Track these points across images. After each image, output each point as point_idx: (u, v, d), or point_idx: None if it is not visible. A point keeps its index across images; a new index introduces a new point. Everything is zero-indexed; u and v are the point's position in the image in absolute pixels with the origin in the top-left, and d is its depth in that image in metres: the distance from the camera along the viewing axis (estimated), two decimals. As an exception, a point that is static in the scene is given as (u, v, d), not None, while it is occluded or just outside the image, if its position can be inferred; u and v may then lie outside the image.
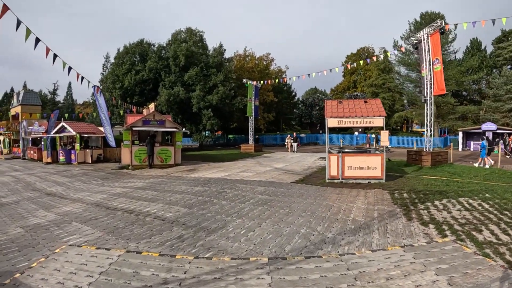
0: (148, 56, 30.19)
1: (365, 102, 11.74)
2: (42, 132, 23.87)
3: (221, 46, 32.04)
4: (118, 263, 4.32)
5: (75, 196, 9.32)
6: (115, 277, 3.92)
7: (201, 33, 31.83)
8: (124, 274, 3.99)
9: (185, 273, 4.02)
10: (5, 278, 3.99)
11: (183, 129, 23.90)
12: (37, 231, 6.02)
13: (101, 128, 21.00)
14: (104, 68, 46.47)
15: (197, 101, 26.85)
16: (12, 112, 32.74)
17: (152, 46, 32.19)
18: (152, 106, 18.90)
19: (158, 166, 16.25)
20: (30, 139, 25.25)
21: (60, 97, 68.89)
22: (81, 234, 5.73)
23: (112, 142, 17.21)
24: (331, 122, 10.83)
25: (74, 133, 19.74)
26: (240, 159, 20.27)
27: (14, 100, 31.92)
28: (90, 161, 19.91)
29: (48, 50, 8.21)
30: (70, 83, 70.58)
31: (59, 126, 21.24)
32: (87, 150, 20.21)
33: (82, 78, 10.31)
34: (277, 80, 31.23)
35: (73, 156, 20.17)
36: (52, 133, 21.47)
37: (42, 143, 22.38)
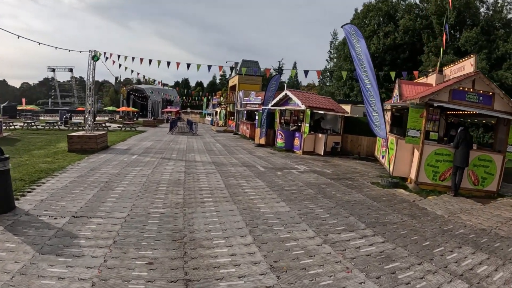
0: (398, 15, 23.84)
1: None
2: (258, 104, 19.12)
3: (505, -4, 20.48)
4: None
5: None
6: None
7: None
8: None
9: None
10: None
11: None
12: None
13: (345, 107, 13.35)
14: (332, 45, 42.44)
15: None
16: (230, 83, 31.58)
17: (401, 2, 25.00)
18: (470, 62, 8.97)
19: (466, 192, 6.81)
20: (245, 112, 21.45)
21: (285, 75, 70.72)
22: None
23: (379, 129, 8.48)
24: None
25: (302, 107, 12.87)
26: None
27: (233, 72, 30.75)
28: (322, 153, 12.68)
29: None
30: (295, 63, 70.69)
31: (281, 95, 15.14)
32: (320, 135, 13.00)
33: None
34: None
35: (296, 141, 13.57)
36: (270, 105, 15.77)
37: (257, 117, 17.41)
